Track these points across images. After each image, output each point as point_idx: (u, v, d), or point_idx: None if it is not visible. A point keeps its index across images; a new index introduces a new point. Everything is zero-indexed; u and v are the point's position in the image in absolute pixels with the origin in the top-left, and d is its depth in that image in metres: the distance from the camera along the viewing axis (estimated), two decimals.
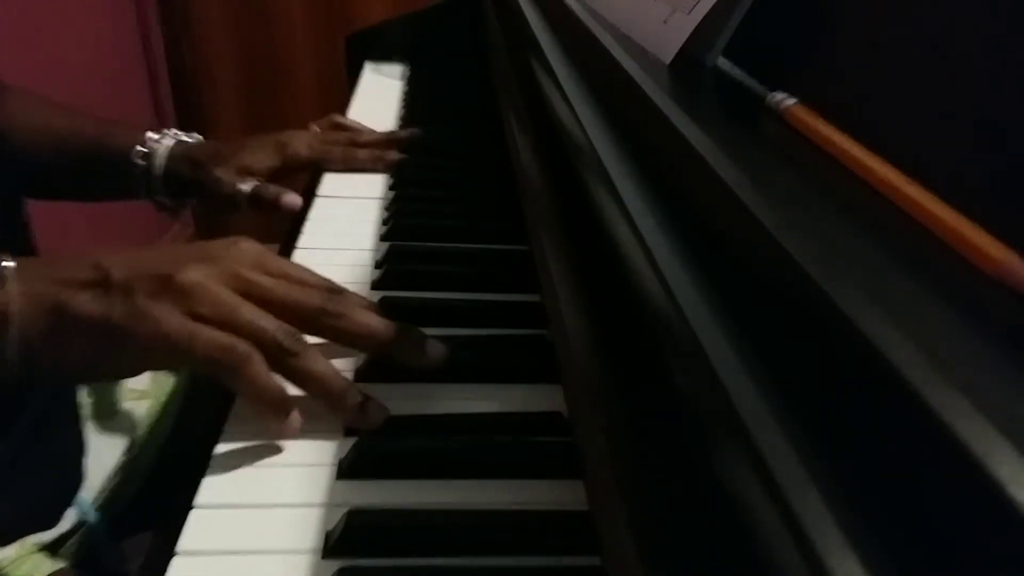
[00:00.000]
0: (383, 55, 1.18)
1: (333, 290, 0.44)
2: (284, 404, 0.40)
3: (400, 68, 1.16)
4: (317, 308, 0.42)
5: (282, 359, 0.40)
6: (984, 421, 0.17)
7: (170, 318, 0.38)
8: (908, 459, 0.18)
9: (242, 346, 0.39)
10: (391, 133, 0.82)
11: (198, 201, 0.73)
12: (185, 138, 0.72)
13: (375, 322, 0.44)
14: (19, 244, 0.59)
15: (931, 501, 0.17)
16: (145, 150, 0.70)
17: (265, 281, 0.42)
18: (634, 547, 0.26)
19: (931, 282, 0.24)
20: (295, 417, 0.40)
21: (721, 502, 0.22)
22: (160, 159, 0.70)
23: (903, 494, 0.18)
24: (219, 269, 0.41)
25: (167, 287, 0.39)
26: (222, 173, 0.69)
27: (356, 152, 0.77)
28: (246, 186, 0.69)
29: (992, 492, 0.15)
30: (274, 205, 0.68)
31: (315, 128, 0.81)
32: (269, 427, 0.40)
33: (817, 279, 0.23)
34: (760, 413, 0.22)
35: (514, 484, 0.39)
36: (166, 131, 0.72)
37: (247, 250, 0.43)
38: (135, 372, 0.42)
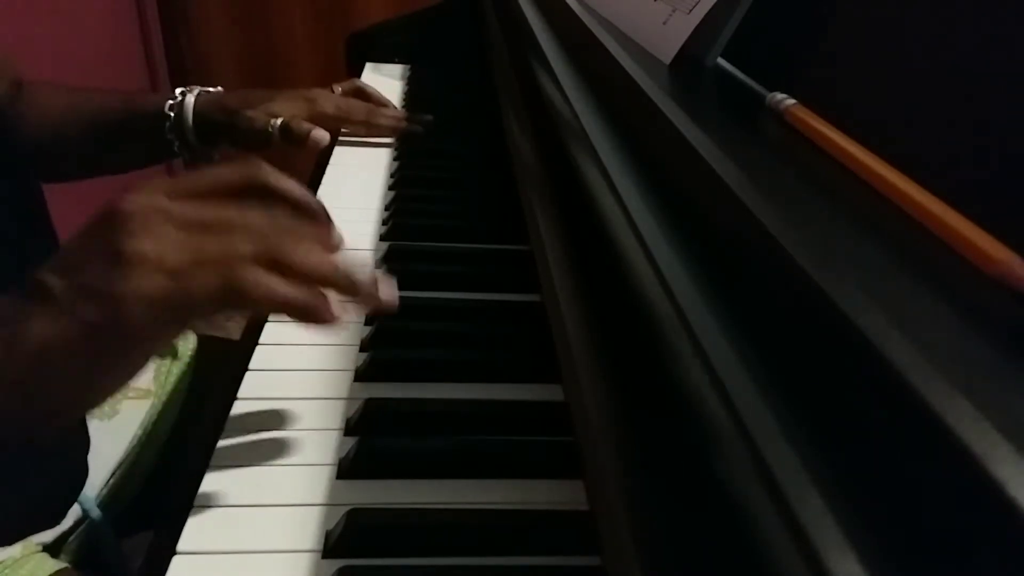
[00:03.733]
0: (383, 55, 1.18)
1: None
2: (316, 303, 0.35)
3: (400, 68, 1.16)
4: (265, 229, 0.37)
5: (279, 264, 0.35)
6: (984, 421, 0.17)
7: (148, 281, 0.33)
8: (908, 459, 0.18)
9: (240, 263, 0.34)
10: (407, 112, 0.89)
11: (229, 143, 0.77)
12: (209, 89, 0.77)
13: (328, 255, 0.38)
14: (40, 233, 0.60)
15: (931, 501, 0.17)
16: (174, 101, 0.75)
17: (203, 208, 0.36)
18: (634, 547, 0.26)
19: (931, 282, 0.24)
20: (337, 308, 0.36)
21: (721, 502, 0.22)
22: (189, 107, 0.74)
23: (903, 494, 0.18)
24: (153, 218, 0.35)
25: (117, 260, 0.33)
26: (254, 113, 0.75)
27: (378, 117, 0.84)
28: (277, 121, 0.75)
29: (992, 492, 0.15)
30: (304, 139, 0.74)
31: (338, 89, 0.88)
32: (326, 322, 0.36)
33: (817, 279, 0.23)
34: (760, 413, 0.22)
35: (514, 484, 0.39)
36: (191, 86, 0.77)
37: (155, 187, 0.36)
38: (143, 362, 0.36)
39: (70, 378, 0.34)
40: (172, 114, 0.74)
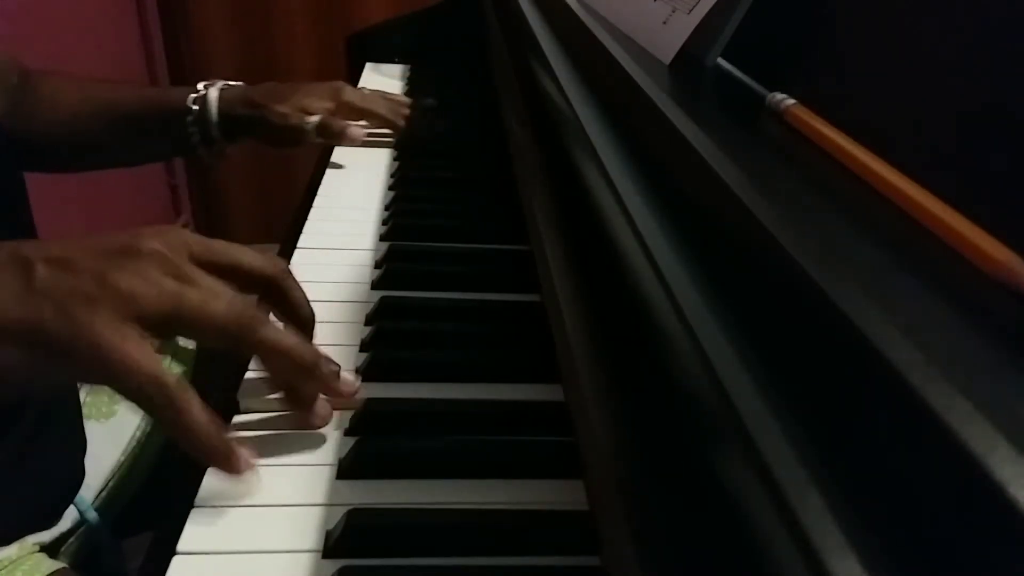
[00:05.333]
0: (383, 55, 1.18)
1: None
2: (229, 448, 0.36)
3: (400, 68, 1.16)
4: (265, 279, 0.40)
5: (243, 335, 0.36)
6: (984, 421, 0.17)
7: (108, 327, 0.33)
8: (908, 459, 0.18)
9: (179, 385, 0.35)
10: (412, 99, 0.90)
11: (257, 138, 0.77)
12: (231, 83, 0.77)
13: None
14: (19, 222, 0.60)
15: (931, 501, 0.17)
16: (197, 95, 0.75)
17: (203, 274, 0.38)
18: (634, 547, 0.26)
19: (931, 282, 0.24)
20: (244, 456, 0.36)
21: (721, 502, 0.22)
22: (213, 102, 0.74)
23: (903, 494, 0.18)
24: (157, 264, 0.36)
25: (103, 286, 0.34)
26: (285, 108, 0.75)
27: (401, 111, 0.85)
28: (313, 118, 0.75)
29: (992, 492, 0.15)
30: (341, 135, 0.76)
31: (363, 88, 0.90)
32: (227, 479, 0.36)
33: (817, 279, 0.23)
34: (760, 413, 0.22)
35: (514, 484, 0.39)
36: (213, 80, 0.77)
37: (180, 239, 0.39)
38: (67, 385, 0.37)
39: (5, 359, 0.34)
40: (196, 108, 0.74)
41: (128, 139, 0.77)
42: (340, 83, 0.82)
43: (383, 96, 0.87)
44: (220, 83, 0.76)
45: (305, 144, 0.77)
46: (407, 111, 0.86)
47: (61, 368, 0.35)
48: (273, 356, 0.38)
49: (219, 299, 0.36)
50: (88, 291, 0.34)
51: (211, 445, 0.35)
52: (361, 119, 0.82)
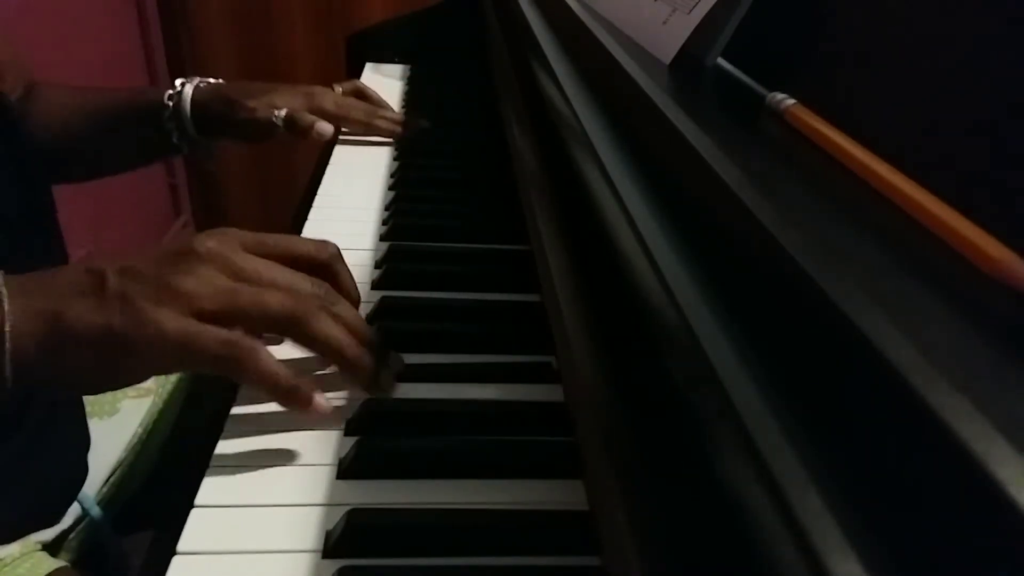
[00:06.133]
0: (383, 55, 1.18)
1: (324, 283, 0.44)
2: (300, 389, 0.39)
3: (400, 68, 1.16)
4: (309, 293, 0.42)
5: (293, 327, 0.40)
6: (984, 421, 0.17)
7: (171, 321, 0.38)
8: (908, 459, 0.18)
9: (245, 340, 0.38)
10: (406, 114, 0.90)
11: (230, 134, 0.77)
12: (209, 80, 0.78)
13: (351, 335, 0.43)
14: (47, 233, 0.61)
15: (931, 501, 0.17)
16: (174, 91, 0.75)
17: (260, 264, 0.42)
18: (634, 547, 0.26)
19: (931, 282, 0.24)
20: (320, 400, 0.40)
21: (721, 502, 0.22)
22: (187, 97, 0.75)
23: (903, 494, 0.18)
24: (213, 264, 0.40)
25: (165, 289, 0.39)
26: (255, 104, 0.75)
27: (376, 118, 0.84)
28: (281, 112, 0.75)
29: (992, 492, 0.15)
30: (308, 130, 0.75)
31: (339, 88, 0.87)
32: (298, 416, 0.40)
33: (817, 278, 0.23)
34: (760, 412, 0.22)
35: (514, 484, 0.39)
36: (191, 77, 0.77)
37: (233, 237, 0.43)
38: (139, 379, 0.40)
39: (84, 363, 0.38)
40: (171, 104, 0.74)
41: (114, 141, 0.78)
42: (319, 88, 0.82)
43: (360, 97, 0.87)
44: (197, 80, 0.76)
45: (273, 139, 0.76)
46: (387, 120, 0.85)
47: (134, 366, 0.39)
48: (322, 349, 0.41)
49: (272, 294, 0.40)
50: (151, 293, 0.38)
51: (285, 387, 0.39)
52: (337, 124, 0.81)
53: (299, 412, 0.40)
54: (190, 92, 0.75)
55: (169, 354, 0.38)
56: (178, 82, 0.76)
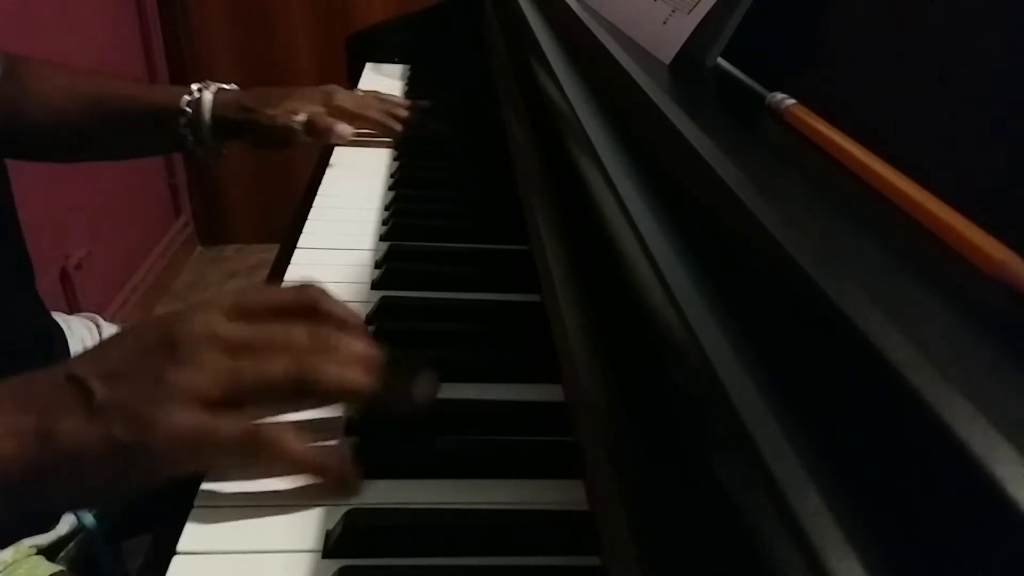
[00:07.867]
0: (383, 55, 1.18)
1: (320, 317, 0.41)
2: (329, 462, 0.38)
3: (400, 68, 1.16)
4: (308, 346, 0.39)
5: (305, 388, 0.37)
6: (984, 421, 0.17)
7: (179, 419, 0.34)
8: (908, 459, 0.18)
9: (265, 431, 0.36)
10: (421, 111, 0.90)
11: (248, 140, 0.78)
12: (225, 87, 0.78)
13: (367, 368, 0.39)
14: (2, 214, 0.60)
15: (931, 501, 0.17)
16: (192, 98, 0.75)
17: (250, 331, 0.38)
18: (634, 547, 0.26)
19: (931, 282, 0.24)
20: (346, 461, 0.38)
21: (721, 502, 0.22)
22: (207, 105, 0.75)
23: (903, 494, 0.18)
24: (203, 345, 0.37)
25: (161, 385, 0.35)
26: (275, 111, 0.76)
27: (391, 119, 0.84)
28: (300, 116, 0.76)
29: (992, 492, 0.15)
30: (328, 133, 0.76)
31: (358, 91, 0.89)
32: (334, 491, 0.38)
33: (817, 279, 0.23)
34: (760, 413, 0.22)
35: (514, 484, 0.39)
36: (207, 82, 0.77)
37: (213, 309, 0.39)
38: (161, 482, 0.36)
39: (91, 478, 0.35)
40: (189, 110, 0.75)
41: (118, 135, 0.78)
42: (333, 87, 0.82)
43: (377, 97, 0.87)
44: (214, 86, 0.77)
45: (295, 144, 0.77)
46: (404, 113, 0.85)
47: (151, 471, 0.36)
48: (338, 398, 0.40)
49: (273, 360, 0.37)
50: (148, 395, 0.35)
51: (316, 465, 0.37)
52: (354, 123, 0.81)
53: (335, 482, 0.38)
54: (210, 100, 0.75)
55: (187, 454, 0.35)
56: (194, 87, 0.76)
